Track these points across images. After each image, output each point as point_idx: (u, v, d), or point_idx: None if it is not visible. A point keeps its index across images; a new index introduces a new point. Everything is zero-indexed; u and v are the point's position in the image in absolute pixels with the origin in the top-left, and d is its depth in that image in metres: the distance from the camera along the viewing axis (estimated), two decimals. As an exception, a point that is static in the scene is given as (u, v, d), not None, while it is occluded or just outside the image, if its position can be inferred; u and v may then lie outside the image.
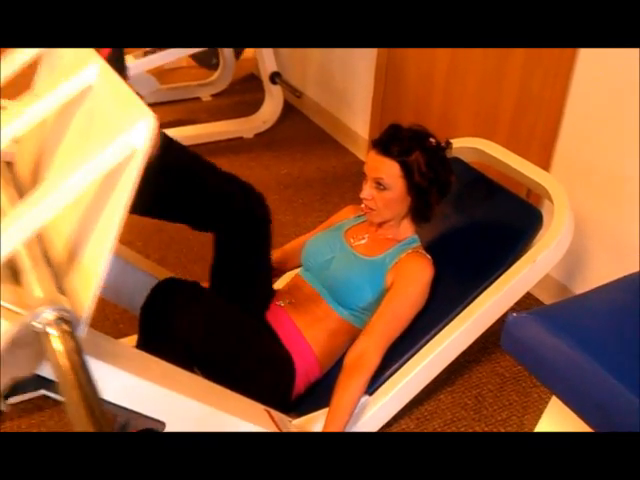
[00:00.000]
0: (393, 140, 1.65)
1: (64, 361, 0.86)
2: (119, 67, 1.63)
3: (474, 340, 1.71)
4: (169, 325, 1.50)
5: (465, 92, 2.61)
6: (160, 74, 3.69)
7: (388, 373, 1.64)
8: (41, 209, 0.92)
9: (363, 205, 1.70)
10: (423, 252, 1.71)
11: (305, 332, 1.65)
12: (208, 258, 1.67)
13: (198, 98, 3.83)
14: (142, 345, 1.53)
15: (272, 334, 1.64)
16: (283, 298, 1.73)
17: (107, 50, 1.62)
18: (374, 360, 1.57)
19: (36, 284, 0.97)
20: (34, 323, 0.90)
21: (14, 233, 0.92)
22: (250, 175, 3.09)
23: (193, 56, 3.82)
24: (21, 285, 0.99)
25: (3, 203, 1.15)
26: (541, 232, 1.80)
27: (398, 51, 2.92)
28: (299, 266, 1.85)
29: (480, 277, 1.75)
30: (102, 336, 1.18)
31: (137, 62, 3.09)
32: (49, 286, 0.97)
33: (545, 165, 2.22)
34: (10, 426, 1.70)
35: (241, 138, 3.44)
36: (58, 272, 1.04)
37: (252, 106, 3.55)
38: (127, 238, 1.80)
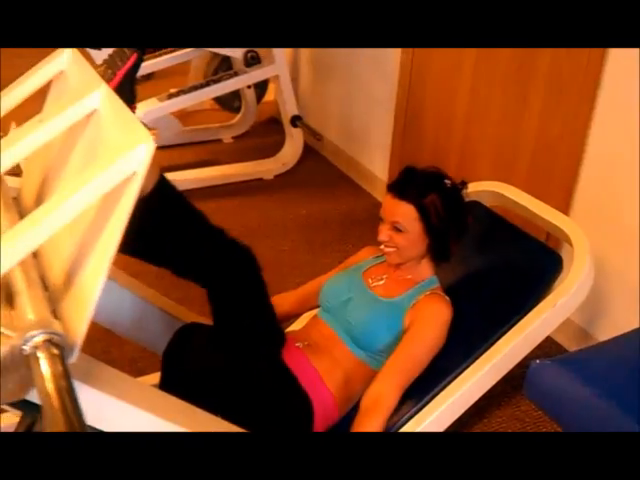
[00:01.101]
0: (408, 183, 1.67)
1: (50, 385, 0.83)
2: (129, 97, 1.66)
3: (493, 384, 1.69)
4: (190, 371, 1.52)
5: (484, 135, 2.63)
6: (183, 116, 3.76)
7: (405, 417, 1.62)
8: (39, 229, 0.91)
9: (382, 248, 1.71)
10: (442, 294, 1.70)
11: (323, 373, 1.64)
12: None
13: (220, 140, 3.89)
14: (163, 388, 1.53)
15: (291, 377, 1.63)
16: (302, 339, 1.72)
17: (116, 81, 1.66)
18: (391, 402, 1.56)
19: (29, 307, 0.95)
20: (24, 346, 0.88)
21: (10, 252, 0.90)
22: (269, 216, 3.13)
23: (216, 99, 3.89)
24: (14, 308, 0.98)
25: (3, 226, 1.14)
26: (561, 276, 1.79)
27: (418, 94, 2.95)
28: (317, 306, 1.85)
29: (500, 321, 1.74)
30: (96, 363, 1.16)
31: (161, 104, 3.15)
32: (42, 309, 0.95)
33: (565, 208, 2.21)
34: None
35: (261, 179, 3.48)
36: (54, 296, 1.03)
37: (272, 148, 3.59)
38: (147, 279, 1.81)
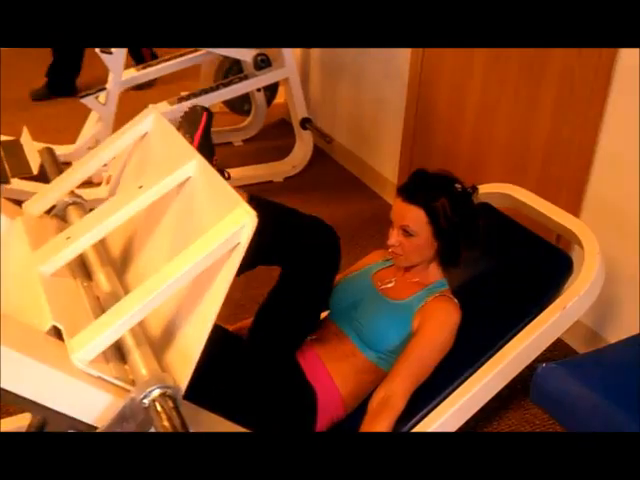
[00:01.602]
0: (418, 187, 1.67)
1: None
2: (209, 153, 1.76)
3: (503, 387, 1.69)
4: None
5: (494, 137, 2.62)
6: (193, 119, 3.77)
7: (414, 420, 1.62)
8: (151, 299, 1.02)
9: (391, 252, 1.71)
10: (450, 296, 1.70)
11: (331, 370, 1.65)
12: (234, 298, 1.68)
13: (230, 143, 3.90)
14: None
15: (297, 368, 1.65)
16: (311, 336, 1.74)
17: (196, 142, 1.74)
18: (399, 404, 1.56)
19: (141, 362, 1.04)
20: (143, 400, 0.97)
21: (125, 321, 1.01)
22: (279, 218, 3.13)
23: (226, 102, 3.90)
24: (126, 363, 1.06)
25: (101, 280, 1.24)
26: (571, 278, 1.78)
27: (428, 96, 2.95)
28: (327, 308, 1.85)
29: (509, 323, 1.73)
30: (191, 405, 1.22)
31: (172, 108, 3.17)
32: (154, 364, 1.04)
33: (575, 211, 2.20)
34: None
35: (271, 182, 3.49)
36: (155, 348, 1.11)
37: (282, 151, 3.60)
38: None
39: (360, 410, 1.63)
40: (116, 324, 1.01)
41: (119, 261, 1.36)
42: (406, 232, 1.66)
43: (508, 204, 2.01)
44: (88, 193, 1.50)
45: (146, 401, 0.97)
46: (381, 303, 1.71)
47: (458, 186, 1.69)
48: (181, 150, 1.25)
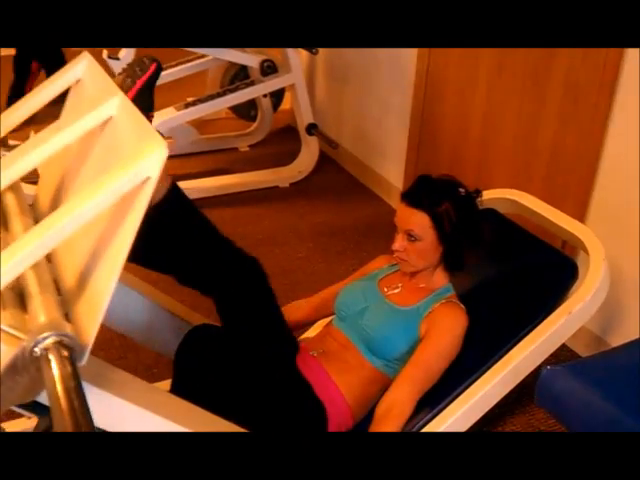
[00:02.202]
0: (422, 191, 1.67)
1: (59, 386, 0.84)
2: (148, 105, 1.68)
3: (508, 392, 1.69)
4: (201, 372, 1.53)
5: (500, 143, 2.63)
6: (200, 125, 3.79)
7: (420, 425, 1.62)
8: (53, 232, 0.93)
9: (396, 257, 1.71)
10: (457, 302, 1.70)
11: (337, 380, 1.65)
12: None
13: (236, 148, 3.92)
14: (175, 390, 1.55)
15: (305, 385, 1.64)
16: (316, 347, 1.73)
17: (135, 89, 1.68)
18: (406, 410, 1.56)
19: (41, 310, 0.96)
20: (35, 348, 0.89)
21: (24, 256, 0.92)
22: (285, 223, 3.15)
23: (232, 108, 3.92)
24: (27, 311, 0.99)
25: (18, 231, 1.16)
26: (576, 284, 1.78)
27: (433, 102, 2.96)
28: (331, 314, 1.86)
29: (515, 328, 1.73)
30: (107, 366, 1.17)
31: (178, 113, 3.18)
32: (53, 312, 0.96)
33: (580, 216, 2.21)
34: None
35: (277, 187, 3.50)
36: (66, 299, 1.05)
37: (288, 156, 3.61)
38: (160, 284, 1.83)
39: (367, 416, 1.63)
40: (10, 263, 0.91)
41: (49, 210, 1.28)
42: (411, 237, 1.66)
43: (514, 210, 2.01)
44: (30, 189, 1.43)
45: (37, 349, 0.88)
46: (388, 310, 1.71)
47: (462, 190, 1.70)
48: (106, 90, 1.20)
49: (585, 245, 1.79)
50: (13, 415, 1.69)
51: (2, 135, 1.29)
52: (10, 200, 1.23)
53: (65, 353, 0.88)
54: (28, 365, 0.89)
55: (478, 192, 1.75)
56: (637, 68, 2.01)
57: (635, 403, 0.99)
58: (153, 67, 1.68)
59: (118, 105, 1.16)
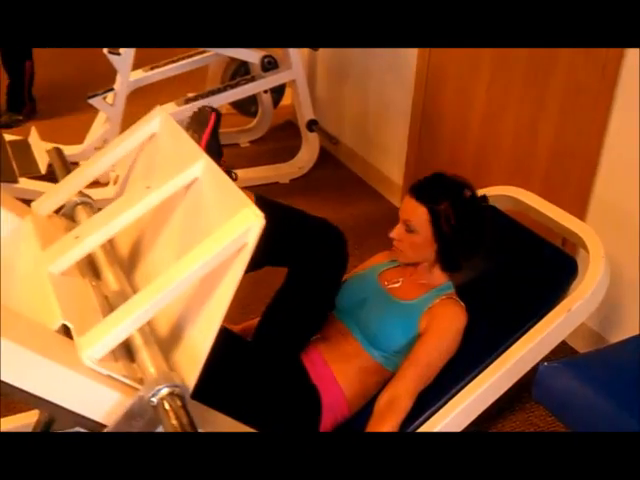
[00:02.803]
0: (427, 187, 1.69)
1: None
2: (217, 153, 1.76)
3: (508, 389, 1.69)
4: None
5: (500, 140, 2.63)
6: (200, 120, 3.78)
7: (419, 421, 1.62)
8: (160, 299, 1.02)
9: (393, 245, 1.73)
10: (457, 299, 1.71)
11: (334, 368, 1.66)
12: (240, 297, 1.68)
13: (237, 144, 3.91)
14: None
15: (301, 369, 1.66)
16: (317, 334, 1.75)
17: (204, 142, 1.75)
18: (405, 406, 1.57)
19: (149, 361, 1.04)
20: (151, 398, 0.98)
21: (134, 320, 1.02)
22: (285, 220, 3.14)
23: (233, 103, 3.91)
24: (134, 362, 1.07)
25: (109, 279, 1.24)
26: (576, 281, 1.79)
27: (434, 98, 2.96)
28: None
29: (514, 325, 1.74)
30: (198, 405, 1.22)
31: (179, 109, 3.18)
32: (162, 363, 1.04)
33: (580, 214, 2.21)
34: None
35: (277, 183, 3.49)
36: (163, 348, 1.11)
37: (289, 152, 3.61)
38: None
39: (366, 410, 1.64)
40: (125, 323, 1.01)
41: (127, 261, 1.37)
42: (408, 227, 1.69)
43: (513, 207, 2.02)
44: (96, 193, 1.51)
45: (154, 399, 0.97)
46: (388, 302, 1.72)
47: (468, 193, 1.71)
48: (188, 151, 1.26)
49: (585, 242, 1.79)
50: (14, 410, 1.70)
51: (82, 188, 1.40)
52: (97, 249, 1.29)
53: (179, 402, 0.97)
54: (144, 412, 0.98)
55: (484, 198, 1.76)
56: (637, 67, 2.01)
57: (632, 399, 0.99)
58: (213, 117, 1.79)
59: (203, 167, 1.21)
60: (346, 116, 3.71)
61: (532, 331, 1.69)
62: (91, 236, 1.18)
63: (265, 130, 3.97)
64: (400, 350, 1.66)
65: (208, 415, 1.26)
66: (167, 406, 0.96)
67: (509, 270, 1.90)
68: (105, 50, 3.07)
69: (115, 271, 1.27)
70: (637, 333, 1.17)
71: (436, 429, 1.60)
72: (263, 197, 1.60)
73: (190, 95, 3.26)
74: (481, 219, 1.73)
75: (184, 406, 0.97)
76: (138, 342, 1.07)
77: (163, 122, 1.41)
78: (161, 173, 1.26)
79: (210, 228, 1.07)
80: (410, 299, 1.71)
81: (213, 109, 1.80)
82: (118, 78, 3.19)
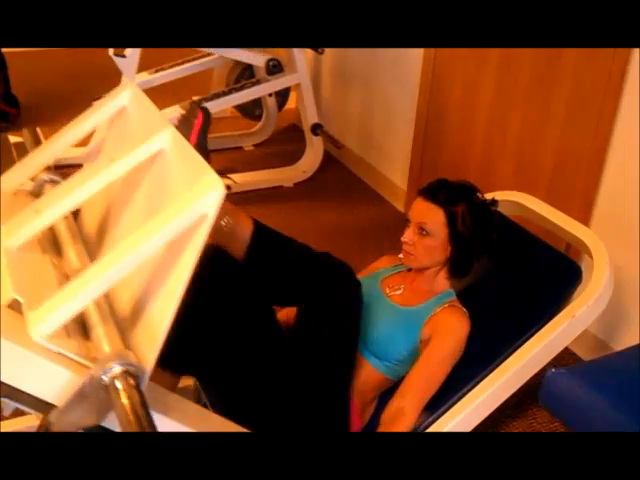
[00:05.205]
0: (441, 189, 1.68)
1: (131, 414, 0.88)
2: (205, 150, 1.72)
3: (511, 395, 1.69)
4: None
5: (505, 145, 2.62)
6: (205, 123, 3.78)
7: (422, 427, 1.62)
8: (114, 270, 0.97)
9: (402, 250, 1.71)
10: (459, 306, 1.70)
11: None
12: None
13: (241, 147, 3.91)
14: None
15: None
16: None
17: (194, 138, 1.71)
18: (411, 418, 1.56)
19: (104, 338, 1.00)
20: (102, 376, 0.93)
21: (87, 292, 0.96)
22: (289, 223, 3.14)
23: (237, 107, 3.92)
24: (89, 339, 1.03)
25: (71, 257, 1.20)
26: (580, 287, 1.78)
27: (439, 102, 2.96)
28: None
29: (518, 331, 1.73)
30: (160, 389, 1.19)
31: (183, 112, 3.18)
32: (117, 341, 1.00)
33: (585, 220, 2.20)
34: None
35: (281, 187, 3.49)
36: (122, 326, 1.08)
37: (293, 156, 3.61)
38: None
39: (371, 423, 1.64)
40: (77, 296, 0.96)
41: (95, 237, 1.32)
42: (422, 230, 1.66)
43: (518, 212, 2.01)
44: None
45: (106, 378, 0.92)
46: (390, 310, 1.71)
47: (479, 196, 1.71)
48: (155, 122, 1.21)
49: (589, 248, 1.78)
50: (15, 413, 1.69)
51: (50, 164, 1.34)
52: (61, 226, 1.25)
53: (132, 382, 0.92)
54: (95, 392, 0.93)
55: (494, 202, 1.76)
56: (644, 71, 2.01)
57: (638, 408, 0.98)
58: (199, 117, 1.73)
59: (169, 138, 1.17)
60: (350, 120, 3.72)
61: (535, 337, 1.69)
62: (51, 208, 1.12)
63: (269, 133, 3.98)
64: (402, 359, 1.64)
65: (167, 399, 1.19)
66: (119, 385, 0.91)
67: (512, 275, 1.89)
68: (111, 52, 3.08)
69: (78, 248, 1.22)
70: (639, 340, 1.16)
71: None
72: (264, 228, 1.60)
73: (195, 98, 3.27)
74: (492, 220, 1.73)
75: (137, 386, 0.92)
76: (94, 319, 1.03)
77: (132, 95, 1.36)
78: (128, 145, 1.20)
79: (173, 200, 1.02)
80: (412, 306, 1.70)
81: (201, 107, 1.75)
82: (123, 80, 3.19)
